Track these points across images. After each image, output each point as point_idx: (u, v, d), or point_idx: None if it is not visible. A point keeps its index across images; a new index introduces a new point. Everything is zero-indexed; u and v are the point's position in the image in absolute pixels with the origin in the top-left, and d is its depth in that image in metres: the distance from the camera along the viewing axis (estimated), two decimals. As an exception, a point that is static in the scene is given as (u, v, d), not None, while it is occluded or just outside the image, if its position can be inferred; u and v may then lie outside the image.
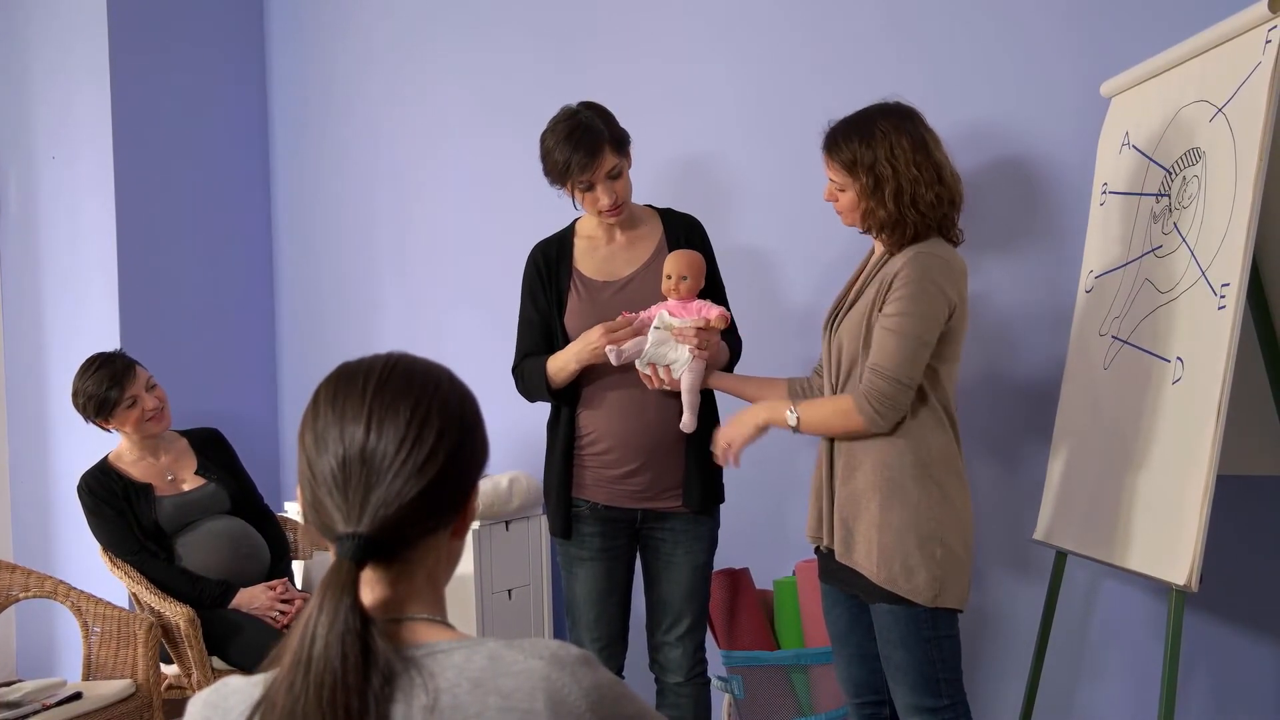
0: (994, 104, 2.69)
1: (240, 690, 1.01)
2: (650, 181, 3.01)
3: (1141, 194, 2.27)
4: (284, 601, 3.02)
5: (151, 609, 2.93)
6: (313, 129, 4.17)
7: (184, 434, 3.27)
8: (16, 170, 4.20)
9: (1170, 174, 2.18)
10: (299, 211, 4.24)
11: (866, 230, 2.15)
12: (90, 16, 3.87)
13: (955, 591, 2.04)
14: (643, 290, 2.45)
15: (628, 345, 2.34)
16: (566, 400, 2.46)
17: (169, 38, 4.00)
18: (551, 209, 2.65)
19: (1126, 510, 2.11)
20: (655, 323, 2.36)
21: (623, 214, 2.46)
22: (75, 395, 3.08)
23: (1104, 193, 2.43)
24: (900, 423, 2.05)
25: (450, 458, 1.03)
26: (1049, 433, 2.51)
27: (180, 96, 4.02)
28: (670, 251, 2.45)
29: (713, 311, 2.36)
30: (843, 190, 2.13)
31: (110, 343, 3.65)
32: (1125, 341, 2.22)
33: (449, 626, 1.05)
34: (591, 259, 2.51)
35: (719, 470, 2.51)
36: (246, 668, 2.42)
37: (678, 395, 2.38)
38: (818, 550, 2.26)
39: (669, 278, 2.39)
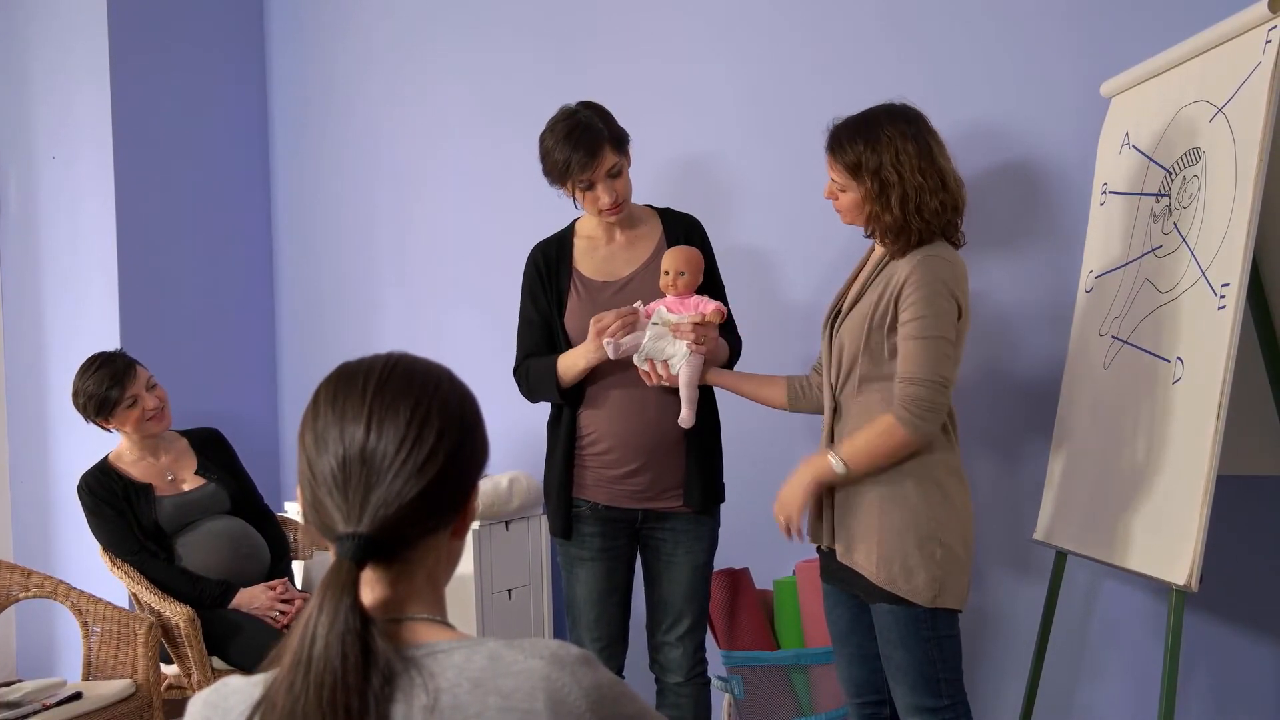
0: (994, 104, 2.69)
1: (240, 690, 1.01)
2: (650, 181, 3.01)
3: (1141, 194, 2.27)
4: (284, 601, 3.02)
5: (151, 609, 2.93)
6: (313, 129, 4.17)
7: (184, 434, 3.27)
8: (16, 170, 4.20)
9: (1170, 174, 2.18)
10: (299, 211, 4.24)
11: (870, 234, 2.16)
12: (90, 16, 3.87)
13: (955, 591, 2.04)
14: (643, 290, 2.45)
15: (625, 340, 2.35)
16: (572, 401, 2.46)
17: (169, 38, 4.00)
18: (551, 209, 2.65)
19: (1126, 510, 2.11)
20: (653, 318, 2.36)
21: (623, 213, 2.46)
22: (76, 394, 3.08)
23: (1104, 193, 2.43)
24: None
25: (450, 458, 1.03)
26: (1049, 432, 2.51)
27: (180, 96, 4.02)
28: (670, 250, 2.45)
29: (709, 306, 2.37)
30: (843, 190, 2.13)
31: (110, 343, 3.65)
32: (1125, 341, 2.22)
33: (449, 626, 1.05)
34: (591, 259, 2.51)
35: (719, 470, 2.51)
36: (246, 668, 2.42)
37: (677, 392, 2.39)
38: (819, 550, 2.26)
39: (666, 274, 2.39)
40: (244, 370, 4.23)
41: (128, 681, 2.85)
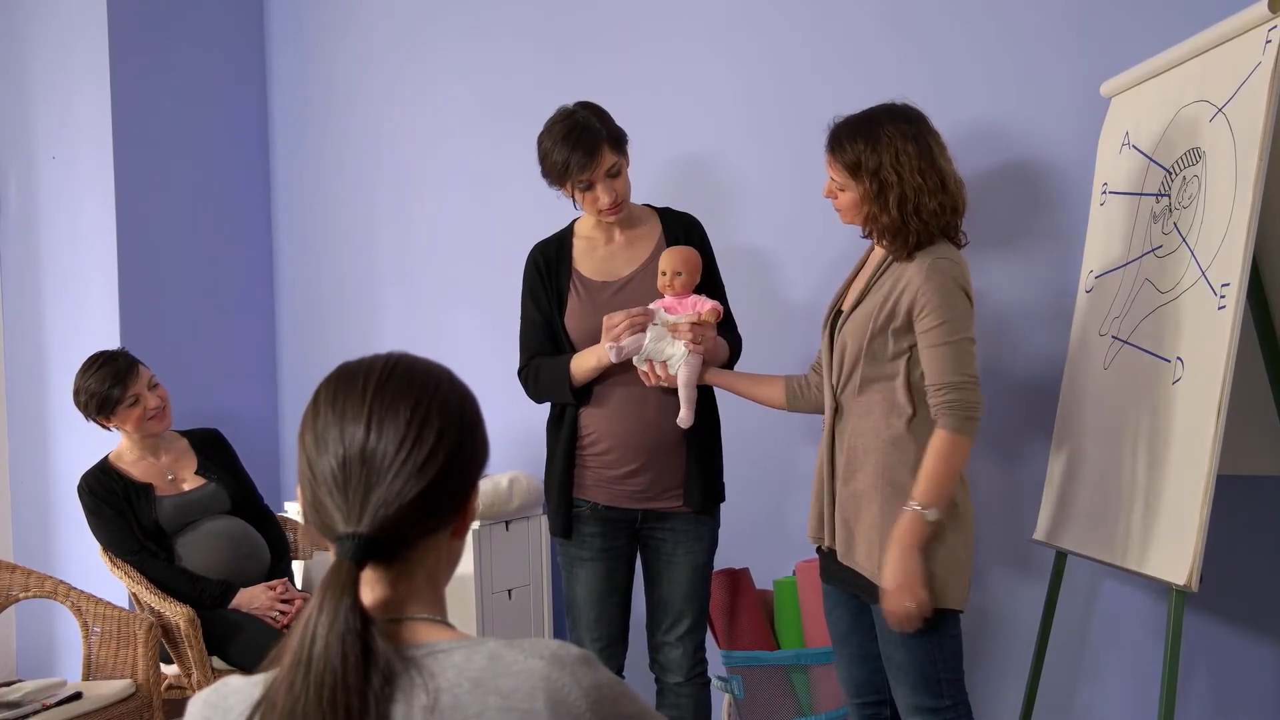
0: (994, 104, 2.69)
1: (240, 690, 1.01)
2: (650, 181, 3.01)
3: (1142, 194, 2.27)
4: (284, 601, 3.02)
5: (151, 609, 2.93)
6: (313, 129, 4.17)
7: (184, 434, 3.27)
8: (16, 170, 4.20)
9: (1170, 174, 2.18)
10: (299, 211, 4.24)
11: (867, 235, 2.16)
12: (90, 16, 3.87)
13: (955, 591, 2.04)
14: (642, 290, 2.45)
15: (626, 342, 2.35)
16: (580, 401, 2.46)
17: (169, 38, 4.00)
18: (551, 209, 2.65)
19: (1126, 510, 2.11)
20: (652, 319, 2.37)
21: (622, 212, 2.46)
22: (77, 393, 3.08)
23: (1104, 193, 2.43)
24: (909, 421, 2.05)
25: (450, 458, 1.03)
26: (1049, 432, 2.51)
27: (180, 96, 4.02)
28: (669, 250, 2.45)
29: (705, 305, 2.37)
30: (842, 190, 2.13)
31: (110, 342, 3.65)
32: (1125, 341, 2.22)
33: (449, 626, 1.05)
34: (590, 259, 2.51)
35: (719, 470, 2.51)
36: (246, 668, 2.42)
37: (676, 392, 2.39)
38: (819, 550, 2.26)
39: (664, 274, 2.39)
40: (244, 370, 4.23)
41: (128, 681, 2.85)
